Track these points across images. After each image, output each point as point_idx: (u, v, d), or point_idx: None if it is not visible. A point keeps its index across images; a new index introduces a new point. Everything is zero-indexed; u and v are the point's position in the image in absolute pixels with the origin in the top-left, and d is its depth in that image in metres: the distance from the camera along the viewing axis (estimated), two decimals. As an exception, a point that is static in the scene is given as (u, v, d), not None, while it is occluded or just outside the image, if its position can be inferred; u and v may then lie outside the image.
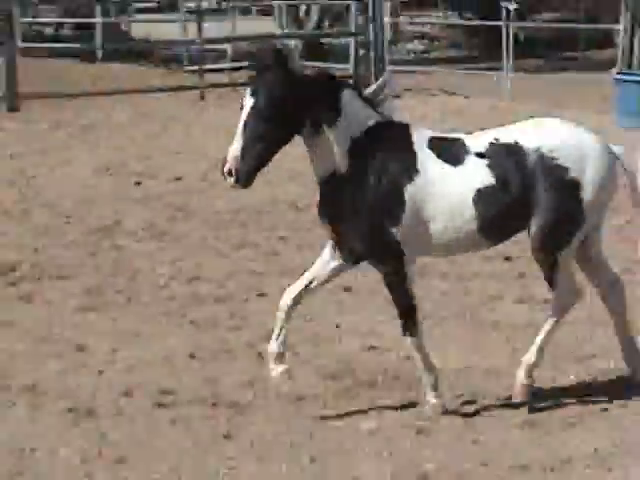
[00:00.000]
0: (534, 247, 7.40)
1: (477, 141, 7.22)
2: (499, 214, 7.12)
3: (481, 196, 7.01)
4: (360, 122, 6.81)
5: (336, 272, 7.26)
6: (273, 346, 7.24)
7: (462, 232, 7.16)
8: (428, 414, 7.27)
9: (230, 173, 6.30)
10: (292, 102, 6.59)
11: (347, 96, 6.81)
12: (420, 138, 7.07)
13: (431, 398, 7.29)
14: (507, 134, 7.25)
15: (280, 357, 7.26)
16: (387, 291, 7.24)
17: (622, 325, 7.67)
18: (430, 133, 7.26)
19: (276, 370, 7.27)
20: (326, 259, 7.16)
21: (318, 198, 7.05)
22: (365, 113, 6.88)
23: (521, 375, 7.48)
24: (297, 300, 7.17)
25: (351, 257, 7.13)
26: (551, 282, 7.50)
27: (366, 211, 6.84)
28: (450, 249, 7.64)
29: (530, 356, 7.49)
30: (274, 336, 7.24)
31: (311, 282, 7.18)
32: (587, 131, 7.56)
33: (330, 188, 6.81)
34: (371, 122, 6.89)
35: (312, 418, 7.53)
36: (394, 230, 6.89)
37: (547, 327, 7.51)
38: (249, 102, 6.49)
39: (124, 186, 16.71)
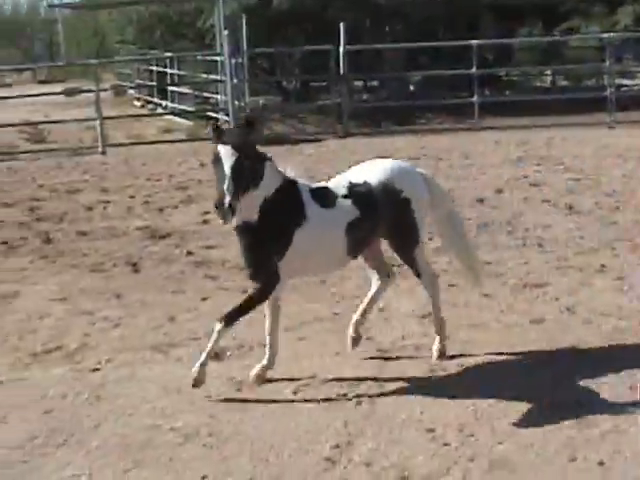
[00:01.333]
0: (394, 250, 9.47)
1: (339, 186, 8.92)
2: (362, 237, 8.90)
3: (351, 227, 8.70)
4: (271, 185, 8.36)
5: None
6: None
7: (335, 257, 8.89)
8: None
9: (230, 208, 7.64)
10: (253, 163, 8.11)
11: (268, 166, 8.35)
12: (305, 191, 8.67)
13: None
14: (356, 176, 9.02)
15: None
16: (247, 294, 8.78)
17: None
18: (309, 185, 8.85)
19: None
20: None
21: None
22: (276, 178, 8.42)
23: (436, 345, 9.40)
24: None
25: None
26: (419, 272, 9.42)
27: (262, 248, 8.40)
28: (322, 270, 9.63)
29: (437, 328, 9.48)
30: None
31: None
32: (405, 163, 9.79)
33: (243, 232, 8.38)
34: (278, 184, 8.43)
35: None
36: (278, 261, 8.47)
37: (434, 303, 9.48)
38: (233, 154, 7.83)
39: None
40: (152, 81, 38.75)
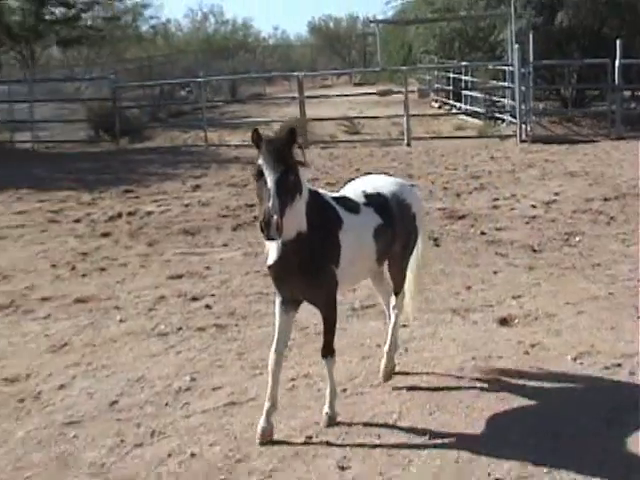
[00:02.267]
0: (394, 265, 8.07)
1: (357, 195, 7.59)
2: (386, 244, 7.62)
3: (377, 233, 7.46)
4: (306, 190, 6.82)
5: (292, 322, 7.38)
6: (267, 404, 7.05)
7: (369, 263, 7.59)
8: (323, 424, 7.21)
9: (278, 226, 6.11)
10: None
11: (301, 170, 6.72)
12: (329, 198, 7.32)
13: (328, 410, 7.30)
14: (368, 188, 7.73)
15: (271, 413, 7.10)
16: (323, 320, 7.28)
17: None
18: (330, 194, 7.48)
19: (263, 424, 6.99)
20: (284, 316, 7.18)
21: (276, 258, 6.85)
22: (305, 183, 6.85)
23: (384, 361, 8.05)
24: (282, 357, 7.22)
25: (295, 304, 7.23)
26: (398, 290, 8.19)
27: (320, 256, 6.91)
28: (358, 278, 7.93)
29: (388, 346, 8.09)
30: (268, 394, 7.09)
31: (285, 340, 7.26)
32: (401, 179, 8.74)
33: (296, 245, 6.72)
34: (308, 191, 6.91)
35: None
36: (336, 270, 7.05)
37: (396, 323, 8.24)
38: (279, 168, 6.32)
39: None
40: (449, 86, 38.69)
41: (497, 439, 6.75)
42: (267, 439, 6.83)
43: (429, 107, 38.36)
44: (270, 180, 6.25)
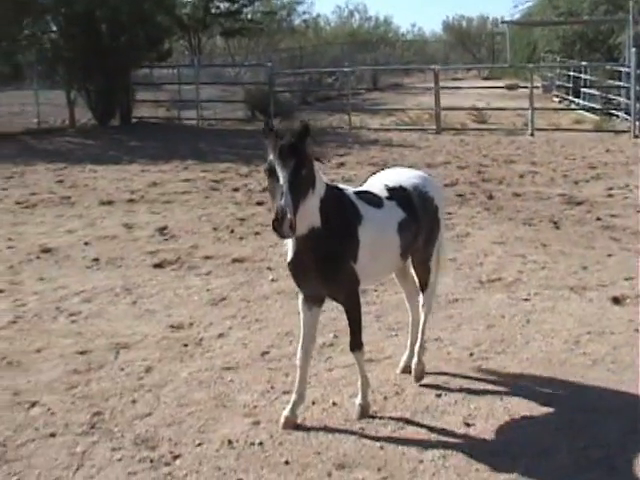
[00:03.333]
0: (418, 259, 7.18)
1: (377, 189, 6.76)
2: (410, 239, 6.78)
3: (401, 227, 6.62)
4: (321, 186, 6.00)
5: (316, 319, 6.55)
6: (295, 396, 6.51)
7: (393, 258, 6.76)
8: (356, 416, 6.52)
9: (291, 224, 5.37)
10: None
11: (315, 165, 5.95)
12: (349, 192, 6.46)
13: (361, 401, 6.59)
14: (390, 181, 6.89)
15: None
16: (347, 316, 6.46)
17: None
18: (349, 188, 6.60)
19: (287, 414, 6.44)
20: (307, 313, 6.44)
21: (292, 255, 6.16)
22: (321, 178, 6.06)
23: (415, 361, 7.19)
24: (309, 353, 6.54)
25: (318, 300, 6.44)
26: (424, 286, 7.28)
27: (337, 251, 6.09)
28: (382, 274, 7.12)
29: (418, 346, 7.25)
30: (296, 387, 6.52)
31: (311, 337, 6.51)
32: (422, 172, 7.62)
33: (310, 241, 5.96)
34: (325, 185, 6.09)
35: None
36: (355, 266, 6.22)
37: (425, 320, 7.35)
38: (291, 164, 5.54)
39: None
40: (569, 83, 37.73)
41: (606, 406, 6.58)
42: (290, 427, 6.34)
43: (550, 102, 37.48)
44: (282, 177, 5.51)
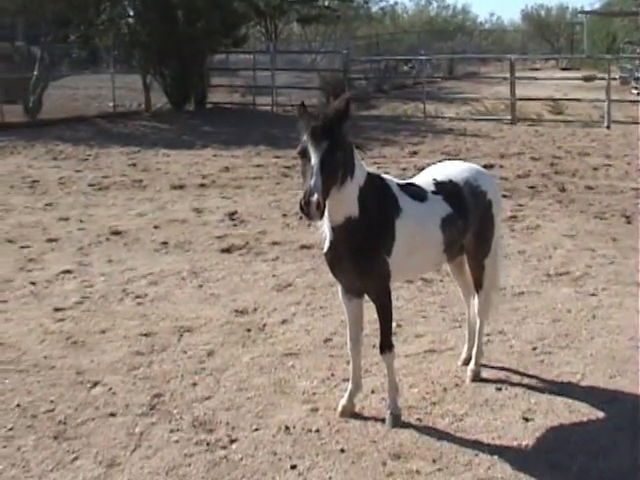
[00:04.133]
0: (470, 256, 6.91)
1: (425, 182, 6.52)
2: (456, 235, 6.52)
3: (445, 223, 6.36)
4: (361, 175, 5.79)
5: (360, 309, 6.32)
6: (351, 385, 6.39)
7: (434, 254, 6.50)
8: (388, 426, 6.20)
9: (318, 206, 5.15)
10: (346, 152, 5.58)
11: (357, 154, 5.78)
12: (392, 184, 6.21)
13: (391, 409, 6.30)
14: (439, 175, 6.64)
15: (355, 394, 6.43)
16: (377, 311, 6.19)
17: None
18: (394, 180, 6.36)
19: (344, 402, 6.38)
20: (349, 304, 6.28)
21: (329, 245, 5.96)
22: (362, 167, 5.86)
23: (472, 365, 7.00)
24: (358, 343, 6.38)
25: (357, 292, 6.19)
26: (478, 285, 6.99)
27: (372, 244, 5.86)
28: (421, 269, 6.94)
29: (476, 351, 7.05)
30: (352, 377, 6.41)
31: (358, 327, 6.32)
32: (477, 165, 7.31)
33: (346, 231, 5.75)
34: (366, 174, 5.88)
35: None
36: (388, 259, 5.99)
37: (482, 321, 7.13)
38: (324, 145, 5.32)
39: None
40: (648, 75, 37.13)
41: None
42: (347, 415, 6.30)
43: (629, 94, 36.82)
44: (314, 157, 5.29)
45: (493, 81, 38.38)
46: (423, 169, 7.08)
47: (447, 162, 7.25)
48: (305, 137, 5.39)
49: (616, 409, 6.42)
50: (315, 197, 5.16)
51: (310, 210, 5.19)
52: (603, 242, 11.32)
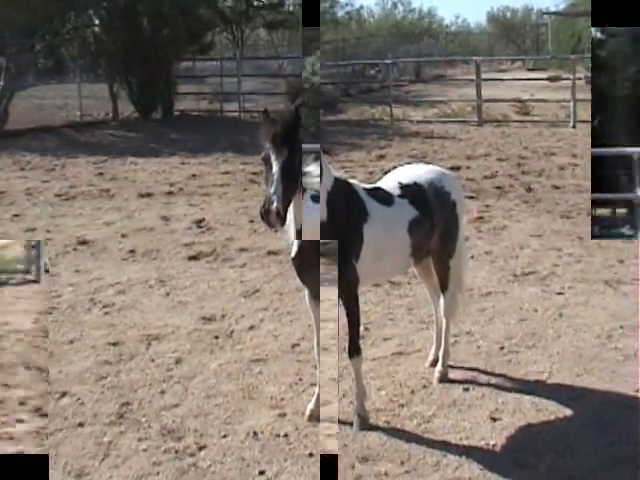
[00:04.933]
0: (435, 258, 6.90)
1: (390, 186, 6.52)
2: (423, 238, 6.52)
3: (412, 226, 6.36)
4: (329, 180, 5.74)
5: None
6: (319, 389, 6.32)
7: (401, 258, 6.49)
8: (356, 429, 6.21)
9: (278, 214, 5.11)
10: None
11: (323, 157, 5.65)
12: (359, 189, 6.20)
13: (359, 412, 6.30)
14: (404, 178, 6.64)
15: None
16: (346, 314, 6.15)
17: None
18: (360, 185, 6.34)
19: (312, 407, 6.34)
20: (316, 309, 6.21)
21: (296, 250, 5.97)
22: (329, 172, 5.81)
23: (439, 366, 7.00)
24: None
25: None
26: (444, 286, 7.00)
27: (340, 248, 5.74)
28: (389, 273, 7.07)
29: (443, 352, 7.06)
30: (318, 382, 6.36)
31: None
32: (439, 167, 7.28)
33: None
34: (333, 179, 5.84)
35: None
36: (356, 265, 5.98)
37: (447, 322, 7.12)
38: (285, 152, 5.27)
39: None
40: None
41: (636, 403, 6.47)
42: (315, 419, 6.22)
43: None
44: (275, 164, 5.26)
45: (460, 83, 38.45)
46: (390, 172, 7.09)
47: (410, 165, 7.23)
48: (268, 144, 5.36)
49: (583, 407, 6.46)
50: (274, 205, 5.13)
51: (270, 218, 5.17)
52: (569, 241, 11.42)
